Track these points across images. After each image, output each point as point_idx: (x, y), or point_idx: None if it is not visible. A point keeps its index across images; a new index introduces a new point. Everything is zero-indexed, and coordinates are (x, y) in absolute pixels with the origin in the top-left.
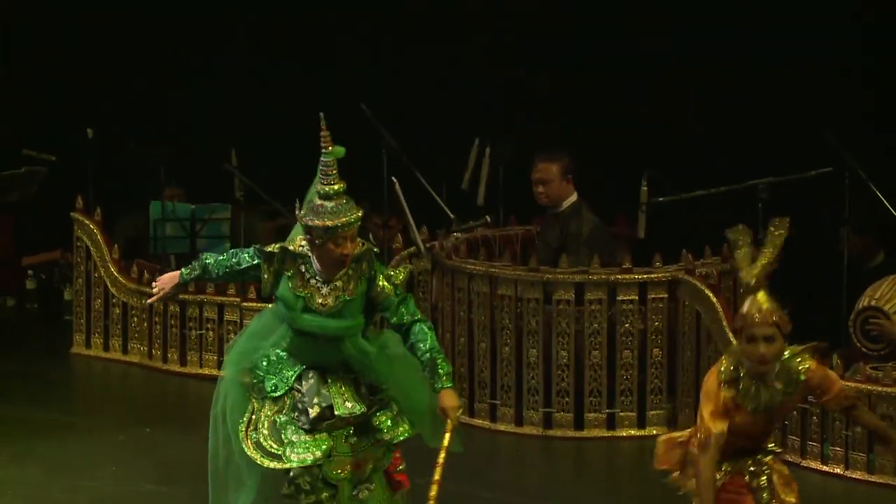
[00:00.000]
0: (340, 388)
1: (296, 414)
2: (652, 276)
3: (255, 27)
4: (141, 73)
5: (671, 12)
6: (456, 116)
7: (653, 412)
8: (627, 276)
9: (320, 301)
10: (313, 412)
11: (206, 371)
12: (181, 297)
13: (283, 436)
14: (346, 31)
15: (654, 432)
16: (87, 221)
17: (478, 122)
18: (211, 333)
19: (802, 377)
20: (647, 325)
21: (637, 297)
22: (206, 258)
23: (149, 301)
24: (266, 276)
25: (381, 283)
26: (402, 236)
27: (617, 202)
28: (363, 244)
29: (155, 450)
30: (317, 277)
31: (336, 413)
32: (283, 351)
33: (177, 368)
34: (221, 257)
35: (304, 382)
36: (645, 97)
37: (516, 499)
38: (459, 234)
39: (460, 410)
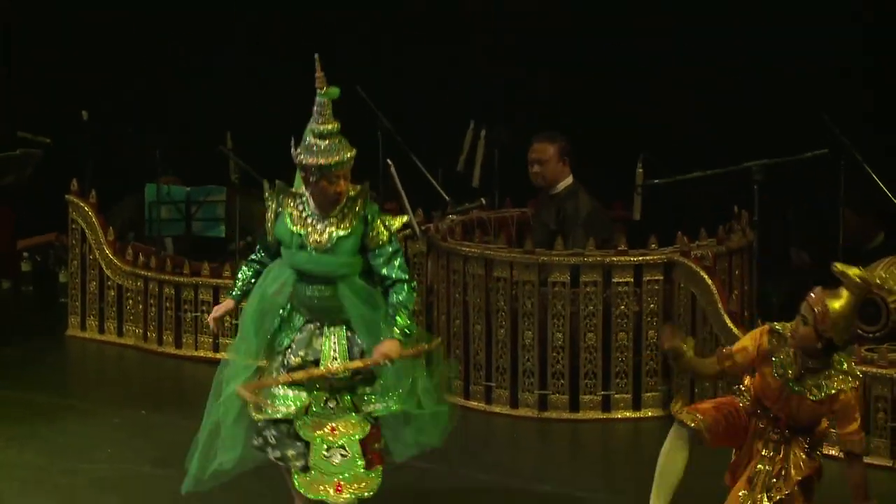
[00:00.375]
0: (334, 344)
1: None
2: (647, 258)
3: (255, 27)
4: (141, 72)
5: (671, 12)
6: (456, 116)
7: (648, 394)
8: (623, 259)
9: (316, 238)
10: (294, 361)
11: (201, 353)
12: (176, 279)
13: (271, 389)
14: (346, 31)
15: (650, 414)
16: (82, 204)
17: (478, 122)
18: (206, 316)
19: (834, 392)
20: (642, 308)
21: (632, 280)
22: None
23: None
24: (268, 224)
25: (377, 225)
26: None
27: (613, 185)
28: (359, 185)
29: (151, 432)
30: (314, 216)
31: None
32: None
33: (172, 351)
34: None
35: (298, 335)
36: (645, 97)
37: (511, 481)
38: (454, 217)
39: (385, 362)
